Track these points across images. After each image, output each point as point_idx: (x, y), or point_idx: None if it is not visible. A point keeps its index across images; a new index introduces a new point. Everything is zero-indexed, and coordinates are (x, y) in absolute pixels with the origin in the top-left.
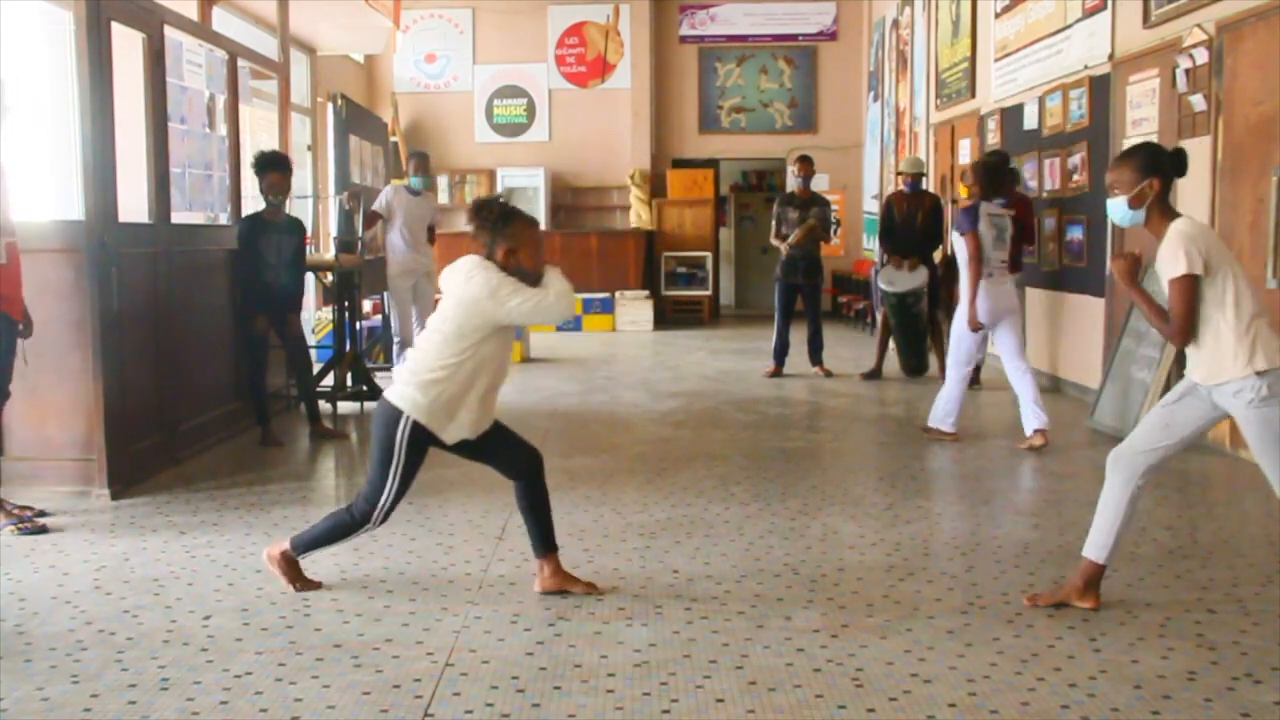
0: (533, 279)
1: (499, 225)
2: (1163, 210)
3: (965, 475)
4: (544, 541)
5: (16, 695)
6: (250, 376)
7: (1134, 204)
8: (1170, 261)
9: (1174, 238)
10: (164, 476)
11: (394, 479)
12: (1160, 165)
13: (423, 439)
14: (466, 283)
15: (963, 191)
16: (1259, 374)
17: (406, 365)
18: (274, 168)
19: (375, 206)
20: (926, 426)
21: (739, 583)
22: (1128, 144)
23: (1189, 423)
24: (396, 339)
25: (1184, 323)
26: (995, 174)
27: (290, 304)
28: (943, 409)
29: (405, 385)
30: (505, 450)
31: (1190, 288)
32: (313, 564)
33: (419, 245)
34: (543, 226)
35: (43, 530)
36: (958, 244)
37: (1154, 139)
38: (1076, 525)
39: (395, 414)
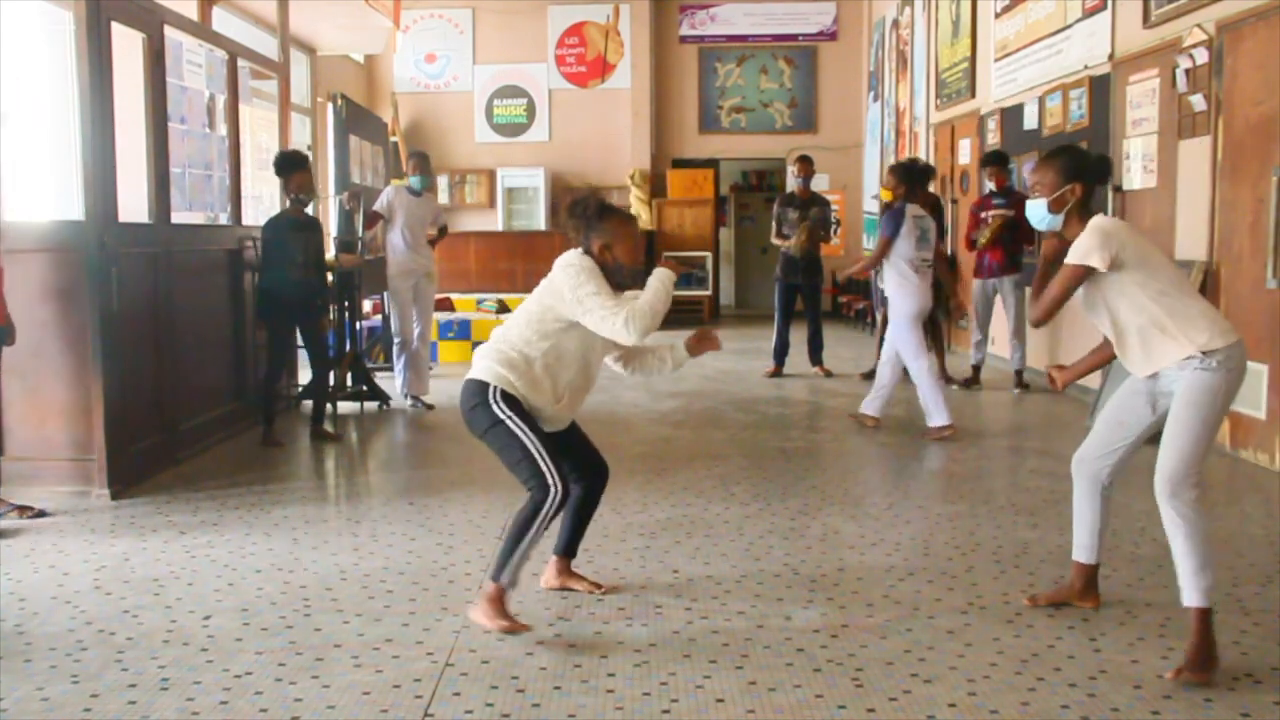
0: (630, 275)
1: (593, 221)
2: (1081, 216)
3: (965, 475)
4: (569, 544)
5: (16, 695)
6: (267, 376)
7: (1054, 208)
8: (1077, 248)
9: (1091, 230)
10: (164, 476)
11: (530, 441)
12: (1084, 171)
13: (520, 405)
14: (561, 271)
15: (885, 195)
16: (1205, 353)
17: (489, 342)
18: (299, 167)
19: (376, 207)
20: (925, 429)
21: (739, 583)
22: (1128, 144)
23: (1140, 419)
24: (396, 339)
25: (1051, 305)
26: (915, 176)
27: (321, 303)
28: (931, 405)
29: (485, 359)
30: (582, 450)
31: (1077, 278)
32: (312, 562)
33: (419, 246)
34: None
35: (42, 514)
36: (876, 242)
37: (1154, 139)
38: None
39: (480, 387)
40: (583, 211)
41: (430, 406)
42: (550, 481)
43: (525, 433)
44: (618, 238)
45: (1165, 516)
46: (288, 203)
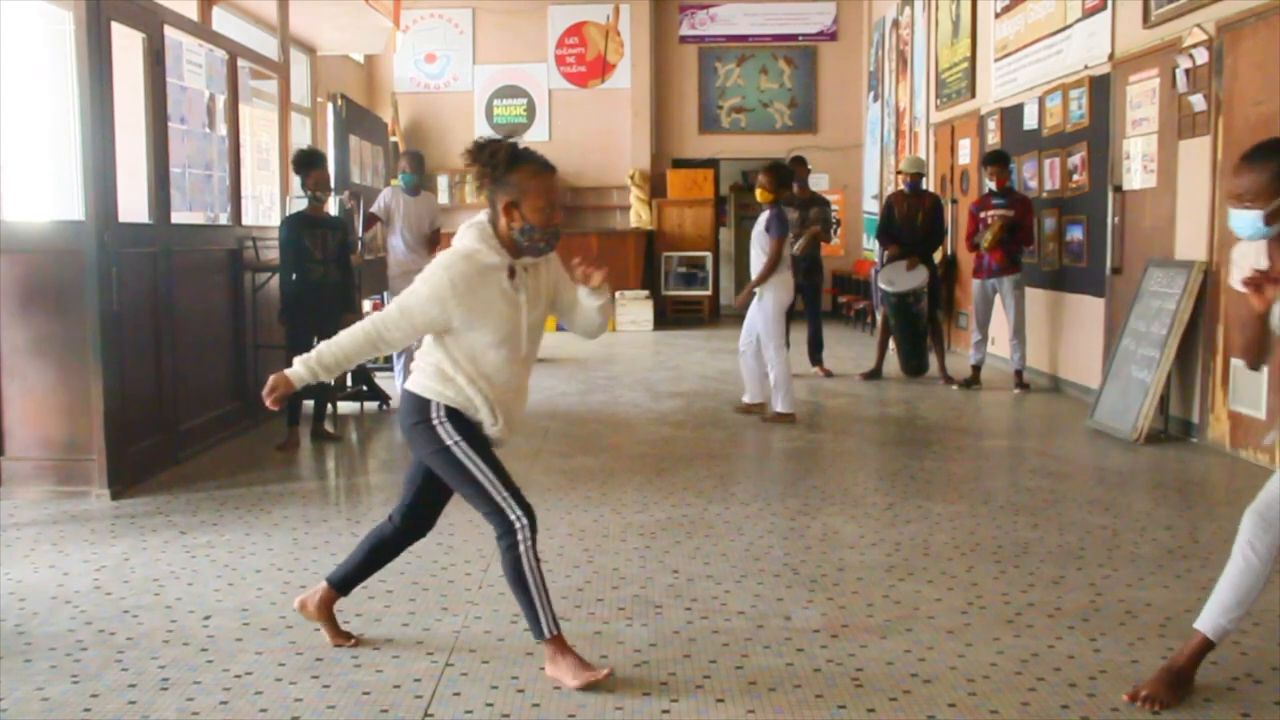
0: (545, 239)
1: (499, 172)
2: None
3: (965, 475)
4: (345, 579)
5: (16, 695)
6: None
7: (1269, 221)
8: None
9: None
10: (164, 476)
11: (482, 473)
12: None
13: (466, 423)
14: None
15: (761, 196)
16: None
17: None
18: (318, 164)
19: (373, 209)
20: (765, 416)
21: (739, 583)
22: (1128, 144)
23: None
24: None
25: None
26: (787, 175)
27: (345, 302)
28: (780, 392)
29: (418, 372)
30: (436, 497)
31: None
32: (312, 562)
33: (419, 246)
34: None
35: None
36: (762, 242)
37: (1154, 139)
38: (1076, 525)
39: (421, 404)
40: (489, 158)
41: None
42: (511, 515)
43: (476, 463)
44: (526, 193)
45: (1237, 544)
46: (305, 200)
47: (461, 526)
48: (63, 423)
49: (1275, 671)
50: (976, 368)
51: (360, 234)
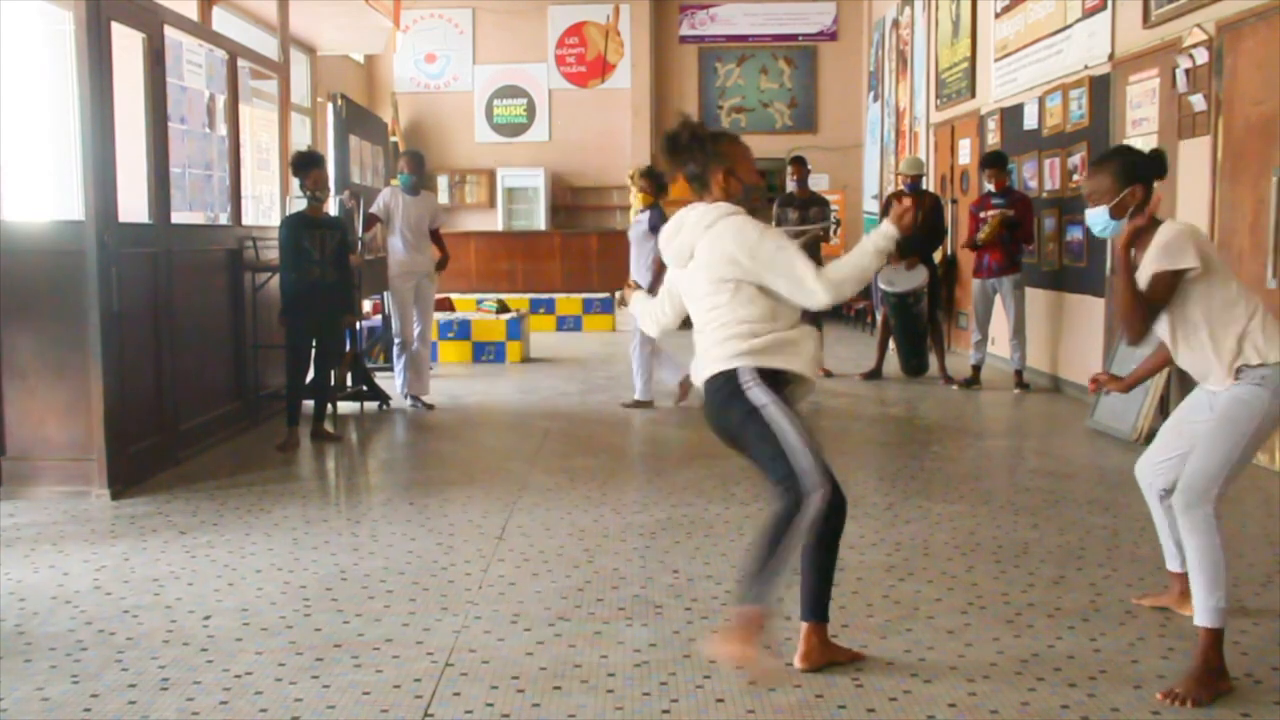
0: (753, 195)
1: (708, 147)
2: (1145, 216)
3: (965, 475)
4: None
5: (16, 695)
6: (291, 377)
7: (1116, 213)
8: (1163, 252)
9: (1176, 232)
10: (164, 476)
11: (792, 427)
12: (1141, 170)
13: (779, 380)
14: (729, 235)
15: (641, 199)
16: (1263, 365)
17: (713, 342)
18: (317, 165)
19: (373, 209)
20: (624, 401)
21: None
22: (1128, 144)
23: (1201, 426)
24: (397, 339)
25: (1146, 316)
26: (662, 178)
27: (343, 303)
28: (638, 380)
29: (722, 351)
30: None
31: (1171, 284)
32: (312, 562)
33: (420, 246)
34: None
35: None
36: (646, 244)
37: (1154, 139)
38: (1076, 525)
39: (729, 377)
40: (689, 141)
41: (430, 406)
42: (816, 478)
43: (788, 419)
44: (736, 159)
45: (1181, 527)
46: (304, 200)
47: (462, 526)
48: (63, 423)
49: (1275, 671)
50: (976, 368)
51: (360, 234)
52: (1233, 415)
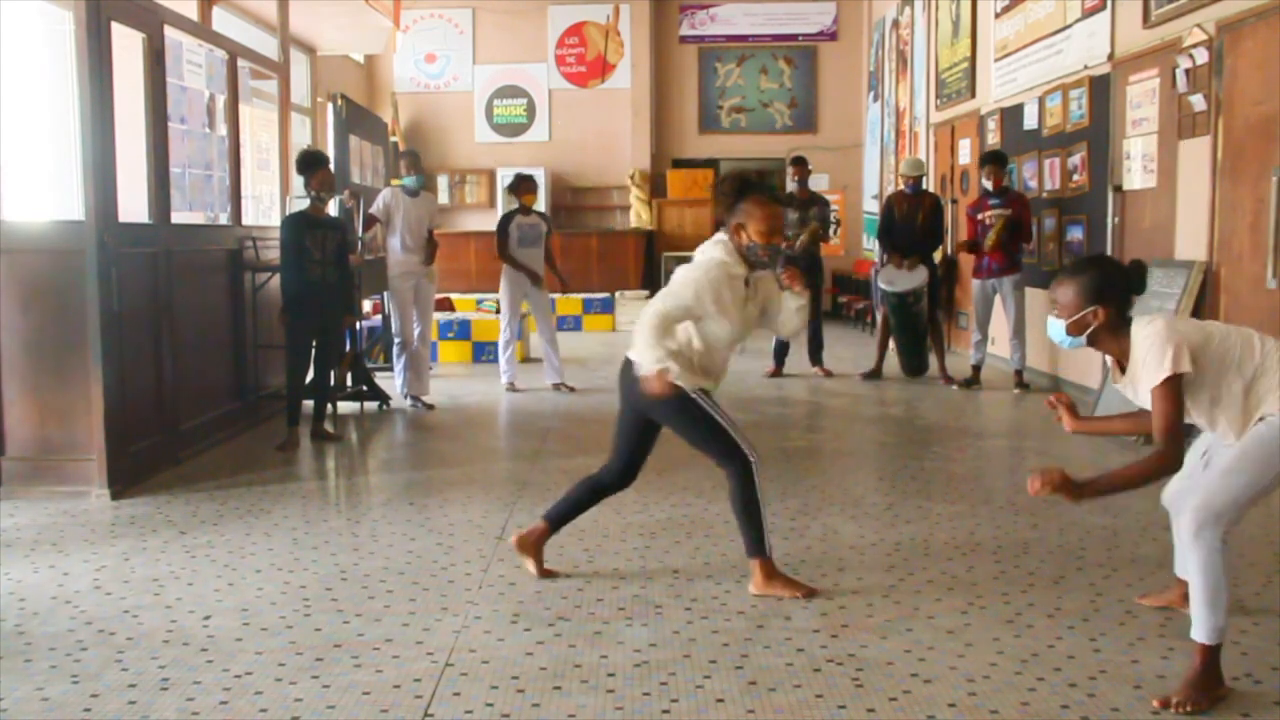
0: (767, 253)
1: (730, 199)
2: (1117, 333)
3: (965, 475)
4: (561, 517)
5: (16, 695)
6: (291, 377)
7: (1072, 330)
8: (1150, 366)
9: (1154, 343)
10: (164, 476)
11: (724, 420)
12: (1107, 291)
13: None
14: (695, 259)
15: (531, 201)
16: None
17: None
18: (322, 165)
19: (373, 210)
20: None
21: (739, 583)
22: (1128, 144)
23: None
24: (397, 340)
25: (1173, 430)
26: (520, 187)
27: (343, 303)
28: (549, 366)
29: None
30: (644, 449)
31: (1175, 391)
32: (312, 562)
33: (419, 246)
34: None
35: None
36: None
37: (1154, 139)
38: (1076, 525)
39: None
40: (724, 191)
41: (430, 406)
42: (746, 450)
43: (715, 411)
44: (751, 217)
45: (1187, 546)
46: (305, 200)
47: (462, 526)
48: (63, 423)
49: (1275, 671)
50: (976, 368)
51: (360, 234)
52: (1265, 438)
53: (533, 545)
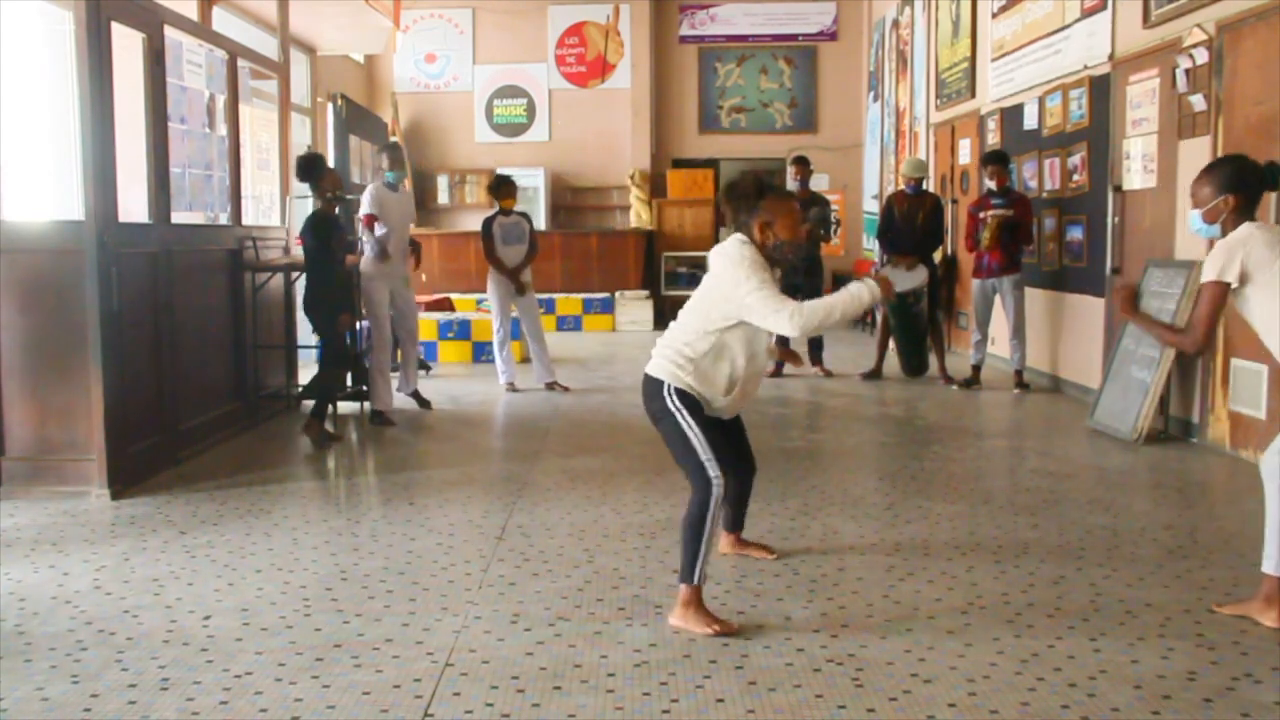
0: (794, 251)
1: (751, 201)
2: (1238, 223)
3: (965, 475)
4: (735, 521)
5: (16, 695)
6: (328, 374)
7: (1208, 219)
8: (1209, 264)
9: (1219, 246)
10: (164, 476)
11: (697, 438)
12: (1240, 183)
13: (693, 400)
14: (722, 265)
15: (510, 204)
16: None
17: (663, 339)
18: (327, 167)
19: (365, 210)
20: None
21: (739, 583)
22: (1128, 144)
23: None
24: (369, 347)
25: (1203, 328)
26: (502, 189)
27: (345, 302)
28: (500, 365)
29: (661, 358)
30: (739, 444)
31: (1218, 295)
32: (312, 562)
33: (402, 248)
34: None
35: None
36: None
37: (1154, 139)
38: (1076, 525)
39: (657, 384)
40: (741, 193)
41: (426, 403)
42: (712, 474)
43: (696, 432)
44: (777, 214)
45: (1265, 480)
46: (320, 203)
47: (462, 527)
48: (63, 423)
49: (1275, 672)
50: (976, 368)
51: (365, 234)
52: None
53: (742, 545)
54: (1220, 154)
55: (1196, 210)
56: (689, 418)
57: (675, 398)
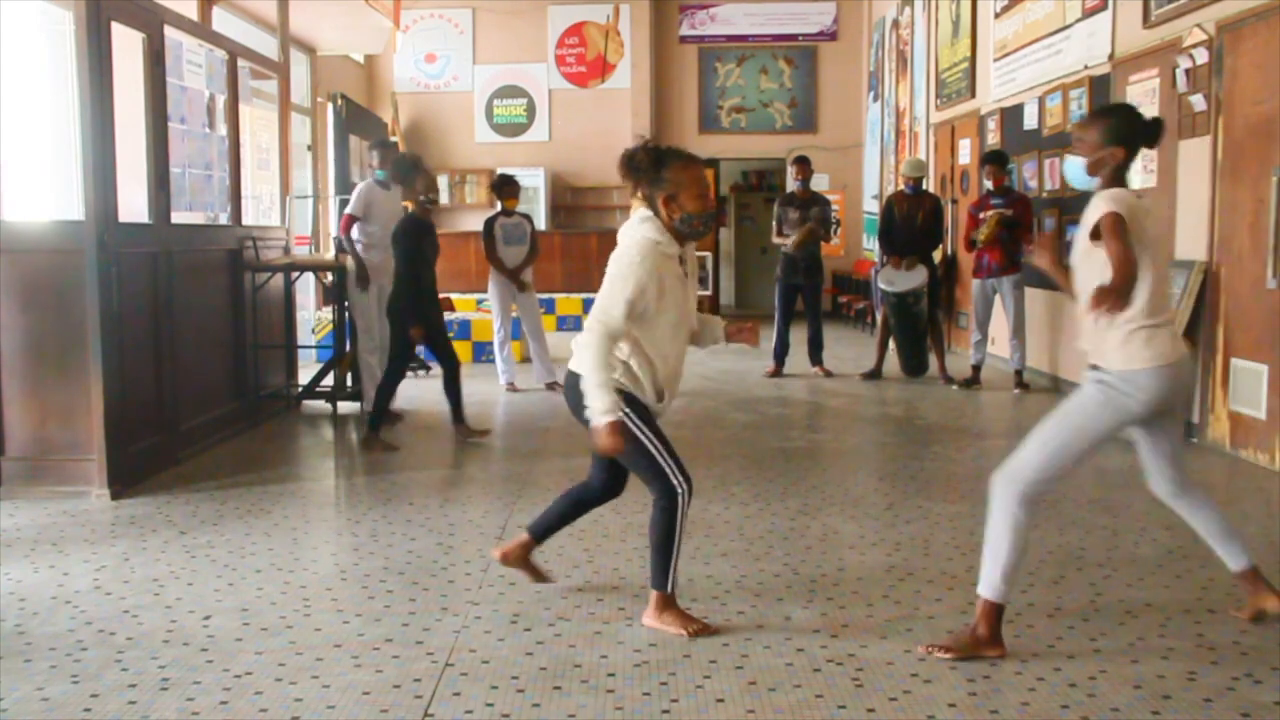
0: (704, 222)
1: (650, 173)
2: (1115, 180)
3: (965, 475)
4: (545, 530)
5: (16, 695)
6: (392, 380)
7: (1090, 170)
8: (1096, 211)
9: (1103, 197)
10: (164, 476)
11: (654, 445)
12: (1130, 135)
13: (641, 405)
14: (619, 246)
15: (513, 204)
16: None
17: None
18: (423, 168)
19: (350, 209)
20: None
21: (739, 583)
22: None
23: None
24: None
25: (1125, 261)
26: (503, 188)
27: (433, 309)
28: (501, 364)
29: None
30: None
31: (1118, 224)
32: (312, 562)
33: (388, 247)
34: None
35: None
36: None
37: None
38: (1076, 525)
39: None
40: (638, 166)
41: (398, 416)
42: (675, 482)
43: (650, 439)
44: (681, 185)
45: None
46: (412, 205)
47: (462, 527)
48: (63, 422)
49: (1275, 672)
50: (976, 368)
51: (344, 239)
52: (1068, 405)
53: (518, 558)
54: (1221, 154)
55: (1079, 159)
56: (640, 424)
57: (622, 403)
